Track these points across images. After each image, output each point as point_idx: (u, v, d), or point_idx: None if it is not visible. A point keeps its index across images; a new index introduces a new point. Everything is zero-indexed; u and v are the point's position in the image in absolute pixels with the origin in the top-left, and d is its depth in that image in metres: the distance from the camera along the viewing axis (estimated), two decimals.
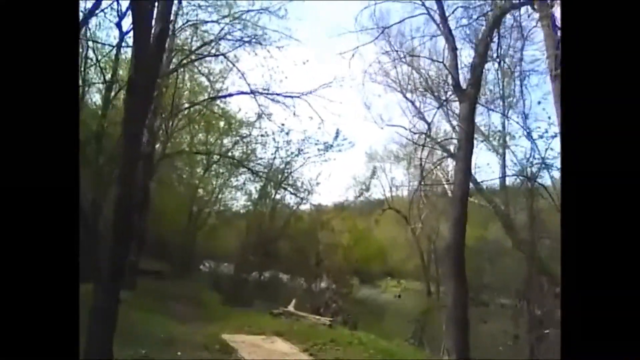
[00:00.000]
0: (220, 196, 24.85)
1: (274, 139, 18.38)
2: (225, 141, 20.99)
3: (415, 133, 23.52)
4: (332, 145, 19.16)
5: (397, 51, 14.03)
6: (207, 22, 13.98)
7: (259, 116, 17.62)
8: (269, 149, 19.55)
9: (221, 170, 22.98)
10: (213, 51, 14.31)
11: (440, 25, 9.18)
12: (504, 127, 16.23)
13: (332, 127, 23.33)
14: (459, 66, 9.46)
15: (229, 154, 19.88)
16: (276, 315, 10.75)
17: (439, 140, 21.32)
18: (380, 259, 34.44)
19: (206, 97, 16.35)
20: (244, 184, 22.47)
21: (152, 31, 4.90)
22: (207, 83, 16.82)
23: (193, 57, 14.33)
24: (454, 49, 9.21)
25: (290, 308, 11.16)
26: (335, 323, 10.10)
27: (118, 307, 4.43)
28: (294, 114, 14.13)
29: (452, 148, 17.40)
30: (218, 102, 17.53)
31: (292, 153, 19.40)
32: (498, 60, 10.49)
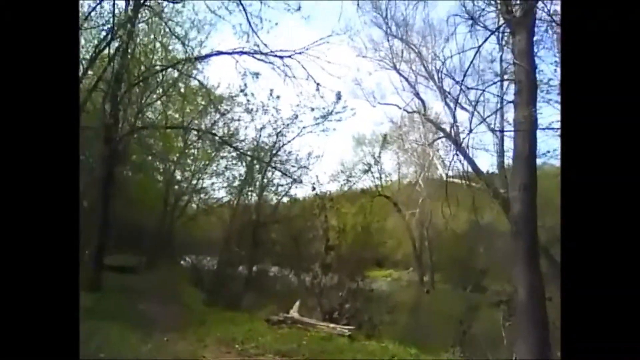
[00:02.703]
0: (200, 181, 22.36)
1: (262, 106, 15.92)
2: (205, 120, 18.46)
3: (409, 112, 21.48)
4: (331, 112, 16.55)
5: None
6: None
7: (242, 90, 15.07)
8: (255, 123, 17.03)
9: (199, 154, 20.45)
10: None
11: None
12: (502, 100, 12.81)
13: (329, 94, 18.27)
14: None
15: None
16: (275, 324, 7.99)
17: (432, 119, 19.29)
18: (372, 248, 32.42)
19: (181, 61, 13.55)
20: (226, 168, 19.97)
21: None
22: (182, 51, 14.02)
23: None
24: None
25: (294, 313, 8.40)
26: (354, 332, 7.74)
27: None
28: (286, 75, 11.64)
29: (447, 127, 15.52)
30: (194, 72, 14.96)
31: (282, 124, 16.82)
32: None
